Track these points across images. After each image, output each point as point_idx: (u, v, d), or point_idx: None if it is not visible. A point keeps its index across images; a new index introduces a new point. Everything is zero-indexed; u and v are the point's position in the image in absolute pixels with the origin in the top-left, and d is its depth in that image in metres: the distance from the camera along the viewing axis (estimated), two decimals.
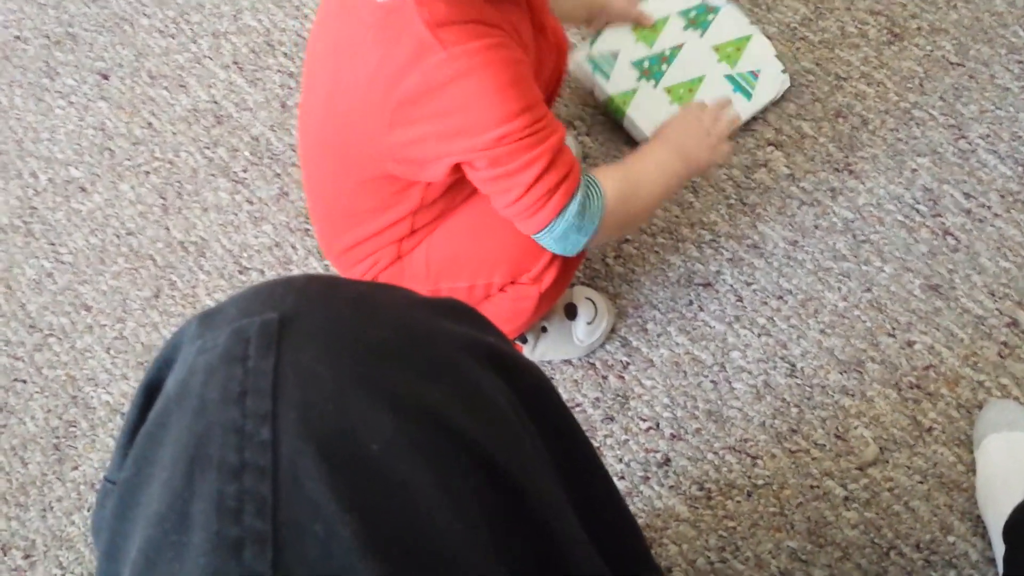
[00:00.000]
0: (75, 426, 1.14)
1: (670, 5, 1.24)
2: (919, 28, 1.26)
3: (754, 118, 1.22)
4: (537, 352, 1.09)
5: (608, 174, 0.84)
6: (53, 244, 1.26)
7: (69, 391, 1.16)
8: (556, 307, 1.09)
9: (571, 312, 1.09)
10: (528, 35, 0.82)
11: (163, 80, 1.37)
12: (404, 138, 0.77)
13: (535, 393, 0.56)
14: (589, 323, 1.08)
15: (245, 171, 1.27)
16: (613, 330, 1.11)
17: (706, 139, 0.92)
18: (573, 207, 0.78)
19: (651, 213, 0.93)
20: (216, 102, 1.33)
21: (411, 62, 0.72)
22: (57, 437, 1.13)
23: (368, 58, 0.75)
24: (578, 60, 1.21)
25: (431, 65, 0.71)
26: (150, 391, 0.48)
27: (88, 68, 1.39)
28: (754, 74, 1.20)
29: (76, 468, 1.11)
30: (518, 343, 1.08)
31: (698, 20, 1.23)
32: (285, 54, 1.36)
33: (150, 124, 1.33)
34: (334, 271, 1.04)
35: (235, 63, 1.36)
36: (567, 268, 0.96)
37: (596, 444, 1.05)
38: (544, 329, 1.08)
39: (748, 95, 1.19)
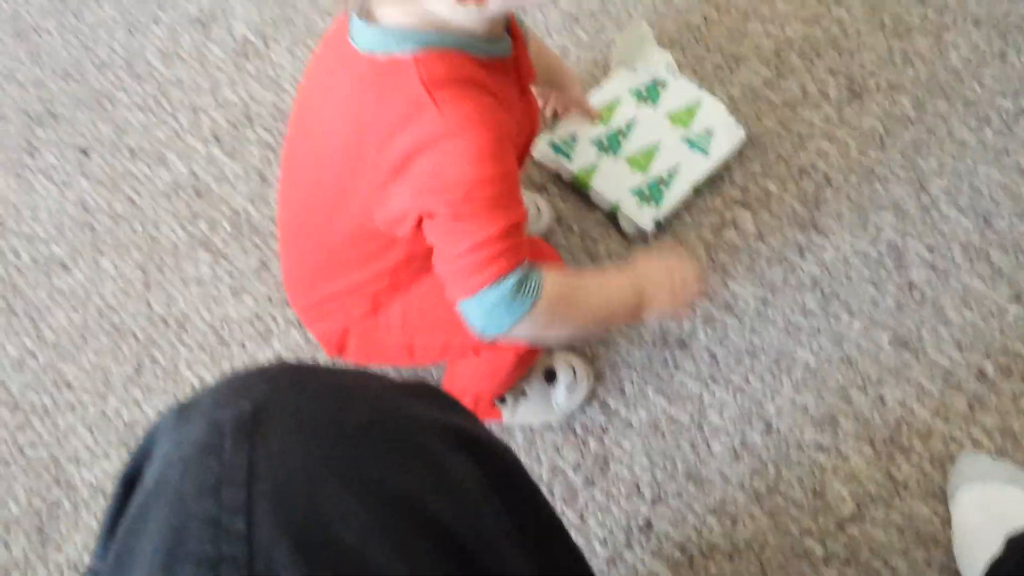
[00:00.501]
0: (58, 507, 1.14)
1: (621, 86, 1.30)
2: (877, 86, 1.30)
3: (721, 178, 1.25)
4: (516, 416, 1.10)
5: (556, 271, 0.82)
6: (35, 322, 1.27)
7: (52, 471, 1.16)
8: (535, 370, 1.11)
9: (550, 376, 1.10)
10: (514, 98, 0.84)
11: (143, 155, 1.39)
12: (390, 196, 0.78)
13: (504, 473, 0.57)
14: (568, 388, 1.09)
15: (225, 244, 1.29)
16: (592, 392, 1.12)
17: (670, 293, 0.89)
18: (511, 280, 0.75)
19: (584, 330, 0.86)
20: (196, 176, 1.36)
21: (405, 119, 0.73)
22: (40, 519, 1.13)
23: (363, 112, 0.76)
24: (540, 146, 1.26)
25: (424, 123, 0.73)
26: (129, 483, 0.50)
27: (69, 145, 1.41)
28: (708, 133, 1.24)
29: (59, 550, 1.12)
30: (497, 405, 1.10)
31: (649, 95, 1.29)
32: (264, 127, 1.39)
33: (131, 200, 1.35)
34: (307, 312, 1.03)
35: (214, 137, 1.39)
36: None
37: (578, 509, 1.07)
38: (523, 392, 1.10)
39: (706, 152, 1.23)
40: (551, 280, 0.79)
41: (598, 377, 1.14)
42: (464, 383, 1.04)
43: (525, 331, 0.79)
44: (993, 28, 1.33)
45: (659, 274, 0.89)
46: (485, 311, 0.76)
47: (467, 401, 1.05)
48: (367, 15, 0.77)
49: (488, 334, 0.78)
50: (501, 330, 0.77)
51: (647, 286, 0.87)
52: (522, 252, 0.77)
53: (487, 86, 0.77)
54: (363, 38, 0.76)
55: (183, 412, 0.49)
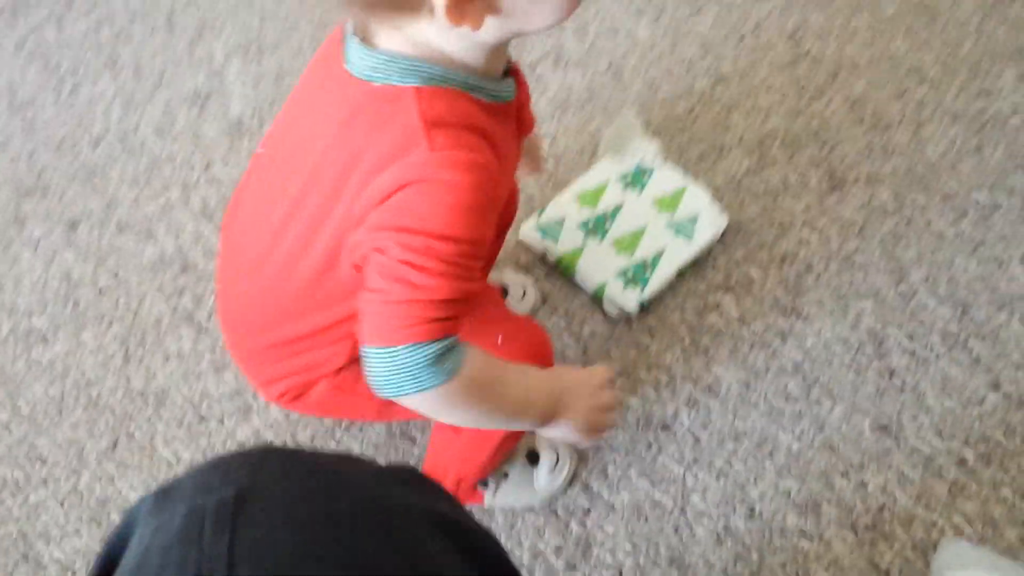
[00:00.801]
0: None
1: (608, 172, 1.33)
2: (857, 178, 1.33)
3: (705, 263, 1.26)
4: (498, 498, 1.09)
5: (482, 355, 0.75)
6: (11, 395, 1.25)
7: (20, 548, 1.13)
8: (518, 452, 1.10)
9: (533, 458, 1.09)
10: (512, 148, 0.80)
11: (131, 230, 1.39)
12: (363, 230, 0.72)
13: (487, 562, 0.57)
14: (550, 471, 1.09)
15: (209, 319, 1.29)
16: (574, 475, 1.12)
17: (586, 413, 0.83)
18: (433, 349, 0.69)
19: (487, 422, 0.79)
20: (183, 251, 1.36)
21: (397, 152, 0.68)
22: None
23: (353, 140, 0.71)
24: (527, 230, 1.28)
25: (412, 161, 0.67)
26: (106, 567, 0.48)
27: (57, 218, 1.42)
28: (693, 218, 1.27)
29: None
30: (478, 488, 1.08)
31: (635, 181, 1.31)
32: None
33: (116, 274, 1.35)
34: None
35: (204, 213, 1.40)
36: None
37: None
38: (505, 475, 1.09)
39: (690, 237, 1.25)
40: (474, 362, 0.73)
41: (581, 459, 1.13)
42: (446, 464, 1.02)
43: (425, 405, 0.73)
44: (969, 124, 1.37)
45: (582, 390, 0.83)
46: (391, 368, 0.69)
47: (448, 483, 1.04)
48: (365, 38, 0.72)
49: (383, 393, 0.71)
50: (399, 395, 0.70)
51: (566, 398, 0.82)
52: (457, 327, 0.71)
53: (488, 134, 0.72)
54: (361, 62, 0.71)
55: (163, 497, 0.49)
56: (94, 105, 1.54)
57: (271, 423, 1.19)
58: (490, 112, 0.73)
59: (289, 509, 0.47)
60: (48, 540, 1.14)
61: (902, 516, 1.06)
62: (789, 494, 1.09)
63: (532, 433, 1.11)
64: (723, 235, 1.28)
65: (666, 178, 1.32)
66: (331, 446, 1.17)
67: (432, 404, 0.72)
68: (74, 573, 1.11)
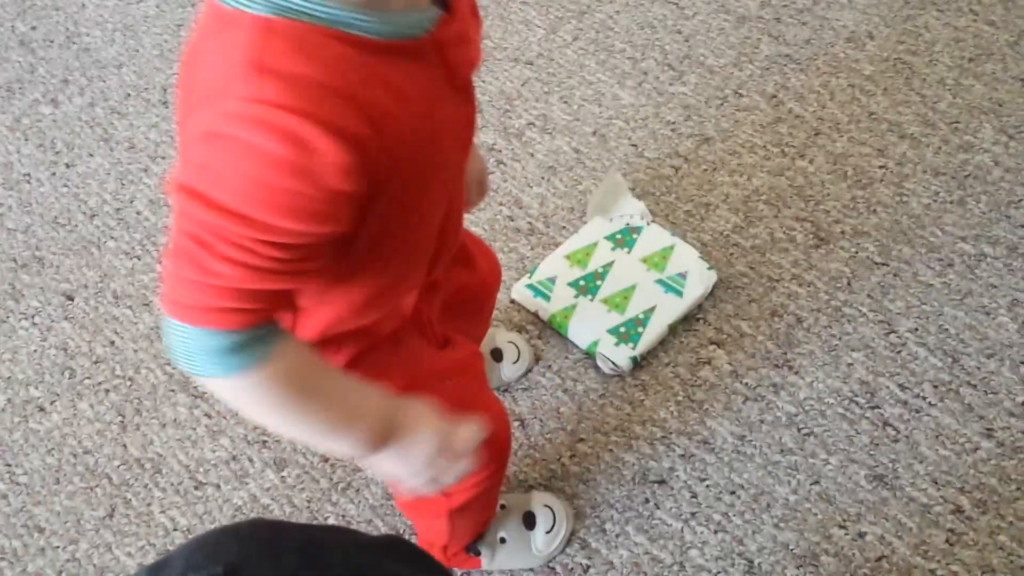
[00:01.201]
0: None
1: (597, 232, 1.35)
2: (843, 232, 1.36)
3: (695, 318, 1.28)
4: (496, 563, 1.08)
5: (301, 349, 0.63)
6: (9, 465, 1.25)
7: None
8: (512, 515, 1.10)
9: (529, 521, 1.09)
10: (434, 93, 0.61)
11: (127, 299, 1.41)
12: None
13: None
14: (548, 532, 1.08)
15: (205, 385, 1.30)
16: (572, 532, 1.11)
17: (429, 453, 0.69)
18: (227, 339, 0.57)
19: (297, 430, 0.64)
20: None
21: (211, 93, 0.54)
22: None
23: (192, 74, 0.58)
24: (519, 289, 1.30)
25: (220, 108, 0.52)
26: None
27: (53, 290, 1.43)
28: (682, 275, 1.28)
29: None
30: (473, 554, 1.08)
31: (624, 240, 1.34)
32: None
33: (112, 343, 1.36)
34: None
35: None
36: (487, 489, 0.91)
37: None
38: (503, 540, 1.08)
39: (680, 293, 1.27)
40: (286, 360, 0.61)
41: (578, 516, 1.13)
42: (430, 534, 1.02)
43: (220, 394, 0.62)
44: (951, 177, 1.40)
45: (429, 426, 0.69)
46: (181, 345, 0.58)
47: (437, 552, 1.03)
48: None
49: (179, 366, 0.60)
50: (192, 374, 0.60)
51: (407, 428, 0.68)
52: (265, 316, 0.59)
53: (374, 83, 0.55)
54: None
55: (154, 574, 0.49)
56: (89, 180, 1.57)
57: (267, 487, 1.19)
58: (383, 53, 0.56)
59: None
60: None
61: (901, 566, 1.06)
62: (787, 546, 1.08)
63: (527, 493, 1.11)
64: (713, 291, 1.30)
65: (654, 237, 1.34)
66: (328, 509, 1.16)
67: (227, 395, 0.61)
68: None
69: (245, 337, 0.58)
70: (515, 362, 1.23)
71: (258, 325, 0.58)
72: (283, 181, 0.52)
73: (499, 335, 1.25)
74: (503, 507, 1.09)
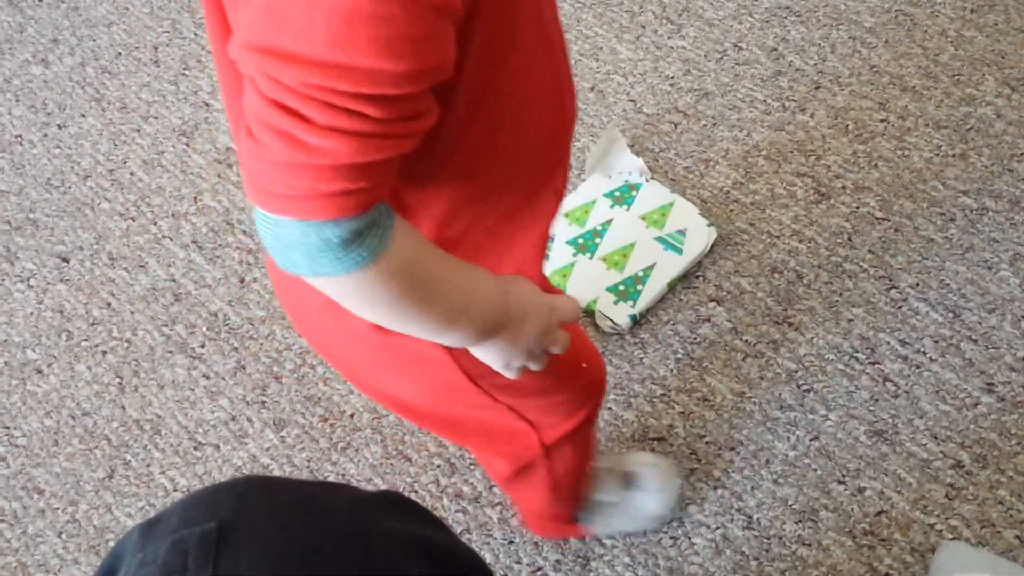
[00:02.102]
0: None
1: (596, 189, 1.34)
2: (844, 187, 1.34)
3: (695, 275, 1.27)
4: (606, 528, 1.05)
5: (414, 233, 0.56)
6: (7, 427, 1.25)
7: None
8: (614, 478, 1.05)
9: (632, 482, 1.05)
10: None
11: (123, 261, 1.40)
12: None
13: None
14: (653, 491, 1.05)
15: (203, 346, 1.29)
16: (682, 488, 1.10)
17: (537, 334, 0.66)
18: (337, 231, 0.49)
19: (410, 325, 0.59)
20: (175, 280, 1.36)
21: None
22: None
23: None
24: None
25: None
26: None
27: (48, 252, 1.42)
28: (681, 232, 1.27)
29: None
30: (582, 524, 1.04)
31: (623, 198, 1.32)
32: (244, 232, 1.40)
33: (109, 304, 1.35)
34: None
35: (194, 242, 1.40)
36: (582, 432, 0.87)
37: None
38: (607, 504, 1.04)
39: (679, 251, 1.26)
40: (404, 250, 0.53)
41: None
42: (532, 506, 0.99)
43: (329, 291, 0.55)
44: (954, 131, 1.39)
45: (538, 306, 0.66)
46: (278, 241, 0.50)
47: (545, 522, 1.02)
48: None
49: (278, 264, 0.52)
50: (294, 272, 0.52)
51: (518, 312, 0.64)
52: (377, 197, 0.50)
53: None
54: None
55: (148, 530, 0.49)
56: (81, 140, 1.55)
57: (267, 447, 1.19)
58: None
59: (272, 542, 0.47)
60: (48, 570, 1.13)
61: (900, 520, 1.06)
62: (786, 502, 1.08)
63: (628, 455, 1.09)
64: (712, 248, 1.28)
65: (653, 194, 1.33)
66: (327, 468, 1.16)
67: (338, 293, 0.55)
68: None
69: (358, 225, 0.50)
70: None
71: (370, 210, 0.50)
72: (372, 5, 0.44)
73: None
74: (605, 470, 1.05)
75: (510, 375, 0.67)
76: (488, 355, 0.65)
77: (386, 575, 0.49)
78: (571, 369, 0.80)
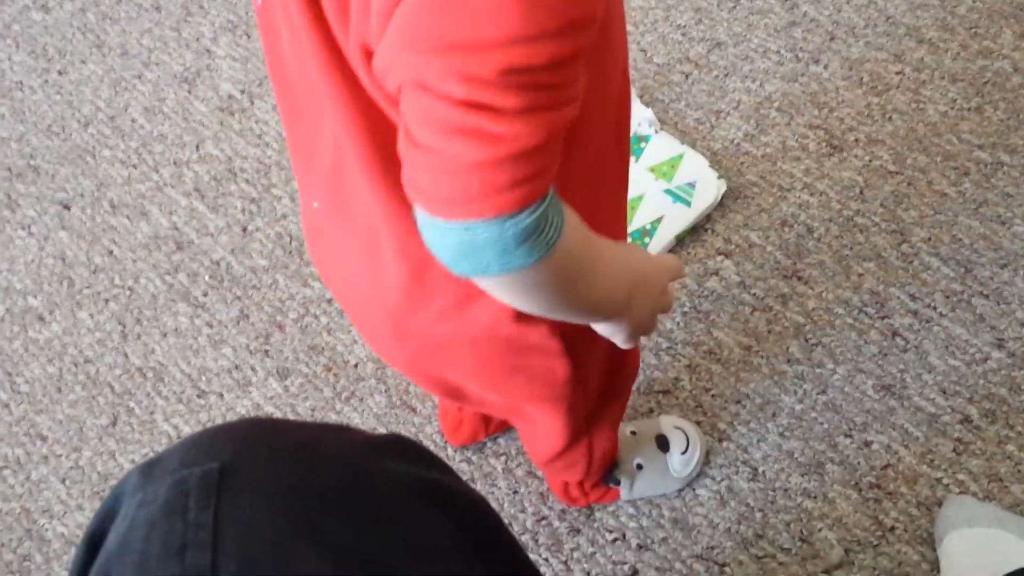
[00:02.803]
0: (29, 560, 1.11)
1: None
2: (857, 140, 1.32)
3: (704, 228, 1.25)
4: (635, 491, 1.05)
5: (576, 220, 0.53)
6: (9, 374, 1.25)
7: (23, 524, 1.13)
8: (646, 441, 1.05)
9: (663, 444, 1.05)
10: None
11: (124, 209, 1.38)
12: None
13: (482, 529, 0.56)
14: (683, 453, 1.04)
15: (205, 295, 1.28)
16: (708, 451, 1.09)
17: (653, 311, 0.66)
18: (528, 219, 0.47)
19: (562, 312, 0.57)
20: (177, 228, 1.35)
21: None
22: (11, 572, 1.10)
23: None
24: None
25: None
26: (92, 543, 0.48)
27: (49, 199, 1.41)
28: (691, 185, 1.25)
29: None
30: (611, 486, 1.03)
31: (631, 149, 1.29)
32: (247, 181, 1.39)
33: (110, 252, 1.34)
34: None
35: (197, 190, 1.39)
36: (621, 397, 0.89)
37: (563, 557, 1.04)
38: (639, 467, 1.04)
39: (688, 203, 1.24)
40: (572, 232, 0.51)
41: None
42: (564, 475, 0.99)
43: (503, 288, 0.52)
44: (970, 84, 1.36)
45: (653, 288, 0.65)
46: (467, 247, 0.48)
47: (574, 491, 1.02)
48: None
49: (457, 270, 0.50)
50: (476, 275, 0.50)
51: (638, 294, 0.62)
52: (551, 179, 0.48)
53: None
54: None
55: (148, 471, 0.48)
56: (82, 87, 1.53)
57: (271, 396, 1.19)
58: None
59: (275, 483, 0.46)
60: (51, 516, 1.13)
61: (907, 474, 1.05)
62: (792, 455, 1.08)
63: (656, 418, 1.08)
64: (722, 200, 1.27)
65: (663, 145, 1.31)
66: (331, 418, 1.16)
67: (514, 286, 0.52)
68: (77, 547, 1.10)
69: (545, 207, 0.48)
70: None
71: (547, 194, 0.48)
72: None
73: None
74: (633, 433, 1.05)
75: (629, 344, 0.66)
76: (617, 327, 0.63)
77: (392, 518, 0.48)
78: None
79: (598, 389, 0.84)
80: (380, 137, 0.54)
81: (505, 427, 1.11)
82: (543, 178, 0.47)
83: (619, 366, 0.85)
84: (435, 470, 0.57)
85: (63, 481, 1.16)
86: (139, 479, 0.48)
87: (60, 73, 1.56)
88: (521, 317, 0.64)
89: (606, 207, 0.67)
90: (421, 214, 0.48)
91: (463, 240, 0.47)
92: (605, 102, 0.60)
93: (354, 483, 0.49)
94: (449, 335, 0.66)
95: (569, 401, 0.77)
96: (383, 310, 0.66)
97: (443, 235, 0.48)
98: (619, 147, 0.67)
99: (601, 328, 0.64)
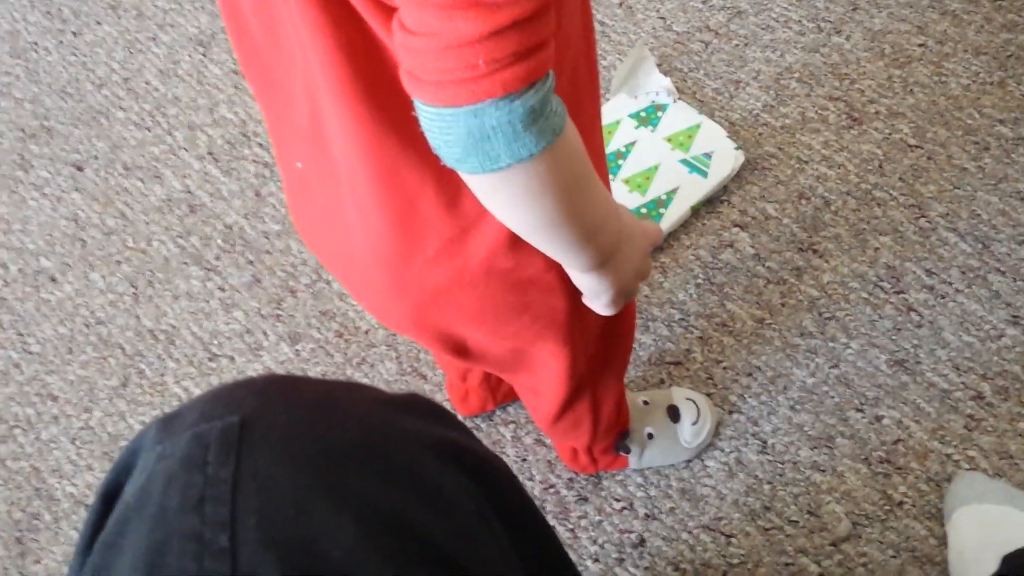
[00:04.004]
0: (38, 519, 1.11)
1: (621, 109, 1.30)
2: (877, 112, 1.30)
3: (719, 200, 1.24)
4: (645, 460, 1.04)
5: (571, 121, 0.52)
6: (21, 335, 1.25)
7: (33, 483, 1.14)
8: (657, 410, 1.05)
9: (674, 415, 1.05)
10: None
11: (138, 171, 1.38)
12: None
13: (499, 489, 0.56)
14: (694, 423, 1.04)
15: (218, 259, 1.28)
16: (718, 423, 1.09)
17: (635, 275, 0.66)
18: (535, 96, 0.46)
19: (559, 231, 0.55)
20: (190, 192, 1.35)
21: None
22: (20, 530, 1.11)
23: None
24: None
25: None
26: (109, 497, 0.48)
27: (63, 160, 1.41)
28: (707, 155, 1.24)
29: (38, 562, 1.09)
30: (621, 454, 1.03)
31: (648, 118, 1.29)
32: (260, 144, 1.38)
33: (123, 214, 1.34)
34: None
35: (210, 154, 1.38)
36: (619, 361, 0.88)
37: (570, 525, 1.04)
38: (650, 436, 1.04)
39: (704, 174, 1.22)
40: (570, 125, 0.51)
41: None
42: (572, 440, 0.99)
43: (505, 193, 0.51)
44: (993, 57, 1.34)
45: (638, 246, 0.64)
46: (475, 134, 0.46)
47: (583, 457, 1.02)
48: None
49: (462, 167, 0.49)
50: (484, 170, 0.48)
51: (624, 245, 0.62)
52: (552, 55, 0.47)
53: None
54: None
55: (167, 424, 0.48)
56: (96, 48, 1.53)
57: (282, 360, 1.19)
58: None
59: (294, 438, 0.46)
60: (61, 476, 1.14)
61: (917, 450, 1.05)
62: (802, 428, 1.07)
63: (668, 389, 1.08)
64: (739, 172, 1.25)
65: (680, 115, 1.29)
66: None
67: (517, 187, 0.50)
68: (87, 507, 1.11)
69: (549, 84, 0.47)
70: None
71: (550, 69, 0.47)
72: None
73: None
74: (645, 403, 1.05)
75: (612, 308, 0.65)
76: (603, 281, 0.63)
77: (410, 473, 0.48)
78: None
79: (598, 337, 0.82)
80: (355, 55, 0.52)
81: (513, 397, 1.10)
82: (544, 51, 0.46)
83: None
84: (453, 430, 0.56)
85: (73, 441, 1.16)
86: (158, 433, 0.48)
87: (75, 34, 1.55)
88: (516, 246, 0.62)
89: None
90: (426, 108, 0.47)
91: (471, 128, 0.46)
92: (571, 26, 0.60)
93: (373, 438, 0.49)
94: (447, 280, 0.65)
95: (571, 340, 0.76)
96: (378, 264, 0.65)
97: (450, 126, 0.47)
98: (590, 74, 0.65)
99: (587, 283, 0.64)
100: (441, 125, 0.47)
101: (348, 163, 0.59)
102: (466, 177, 0.51)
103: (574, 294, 0.68)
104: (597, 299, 0.65)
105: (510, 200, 0.52)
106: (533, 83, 0.46)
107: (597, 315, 0.73)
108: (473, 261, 0.63)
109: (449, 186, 0.59)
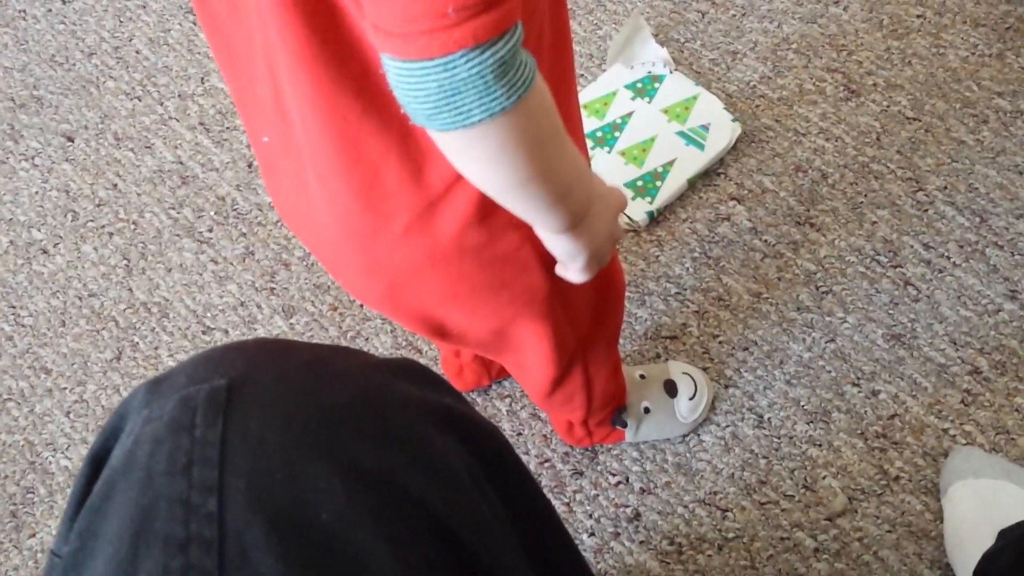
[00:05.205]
0: (32, 492, 1.11)
1: (617, 80, 1.29)
2: (875, 84, 1.29)
3: (716, 173, 1.23)
4: (641, 434, 1.04)
5: (540, 76, 0.50)
6: (13, 307, 1.24)
7: (27, 456, 1.13)
8: (654, 385, 1.04)
9: (671, 389, 1.04)
10: None
11: (129, 142, 1.37)
12: None
13: (492, 455, 0.55)
14: (691, 398, 1.04)
15: (210, 231, 1.27)
16: (714, 398, 1.09)
17: (610, 224, 0.64)
18: (505, 47, 0.45)
19: (530, 190, 0.53)
20: (182, 163, 1.34)
21: None
22: (14, 504, 1.11)
23: None
24: None
25: None
26: (97, 462, 0.47)
27: (53, 131, 1.39)
28: (704, 127, 1.23)
29: (33, 535, 1.09)
30: (618, 427, 1.03)
31: (645, 89, 1.27)
32: None
33: (115, 185, 1.33)
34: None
35: (202, 124, 1.37)
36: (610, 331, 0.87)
37: (566, 499, 1.04)
38: (647, 410, 1.04)
39: (701, 146, 1.22)
40: (540, 77, 0.50)
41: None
42: (567, 413, 0.98)
43: (476, 150, 0.50)
44: (992, 29, 1.33)
45: (608, 209, 0.64)
46: (445, 88, 0.45)
47: (578, 430, 1.01)
48: None
49: (432, 123, 0.48)
50: (455, 126, 0.47)
51: (595, 208, 0.61)
52: (519, 7, 0.46)
53: None
54: None
55: (154, 388, 0.47)
56: (86, 16, 1.50)
57: (276, 333, 1.18)
58: None
59: (283, 400, 0.46)
60: (55, 449, 1.13)
61: (913, 424, 1.05)
62: (799, 402, 1.07)
63: (665, 363, 1.08)
64: (736, 144, 1.24)
65: (677, 86, 1.28)
66: None
67: (488, 143, 0.49)
68: None
69: (519, 35, 0.46)
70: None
71: (518, 21, 0.46)
72: None
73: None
74: (642, 377, 1.04)
75: (585, 275, 0.64)
76: (576, 244, 0.61)
77: (402, 436, 0.48)
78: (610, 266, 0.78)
79: (588, 311, 0.81)
80: (311, 16, 0.51)
81: (508, 372, 1.10)
82: (513, 1, 0.45)
83: (604, 283, 0.81)
84: (447, 395, 0.56)
85: (67, 414, 1.16)
86: (145, 396, 0.47)
87: (64, 2, 1.53)
88: (486, 219, 0.62)
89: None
90: (395, 63, 0.46)
91: (442, 82, 0.45)
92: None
93: (364, 401, 0.48)
94: (419, 258, 0.64)
95: (552, 318, 0.75)
96: (348, 241, 0.64)
97: (420, 80, 0.46)
98: (559, 34, 0.64)
99: (561, 245, 0.62)
100: (410, 81, 0.46)
101: (309, 134, 0.58)
102: (435, 135, 0.50)
103: (552, 271, 0.67)
104: (572, 262, 0.64)
105: (481, 157, 0.51)
106: (503, 33, 0.45)
107: (582, 291, 0.72)
108: (443, 237, 0.62)
109: (415, 154, 0.58)
